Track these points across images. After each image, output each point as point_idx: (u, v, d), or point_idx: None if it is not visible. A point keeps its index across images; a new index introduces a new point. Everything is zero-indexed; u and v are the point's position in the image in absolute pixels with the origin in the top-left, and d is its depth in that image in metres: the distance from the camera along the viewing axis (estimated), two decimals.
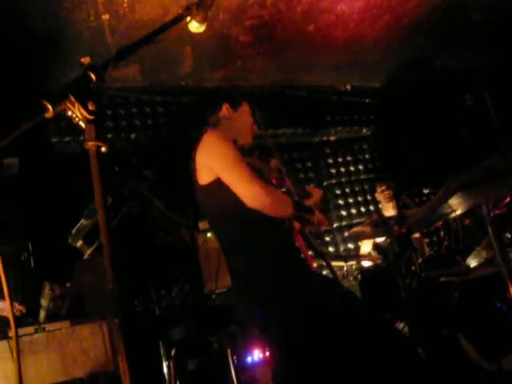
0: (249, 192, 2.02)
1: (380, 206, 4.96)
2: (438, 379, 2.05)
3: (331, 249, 5.50)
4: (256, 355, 3.12)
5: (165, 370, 3.15)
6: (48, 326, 2.27)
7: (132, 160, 4.47)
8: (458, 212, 2.44)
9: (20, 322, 2.40)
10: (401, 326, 3.52)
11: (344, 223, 5.68)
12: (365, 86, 5.85)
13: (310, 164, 5.64)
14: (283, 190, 2.28)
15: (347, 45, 4.69)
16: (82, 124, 1.04)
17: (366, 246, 4.60)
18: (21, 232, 3.47)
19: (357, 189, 5.92)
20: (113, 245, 0.94)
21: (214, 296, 3.56)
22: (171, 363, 3.11)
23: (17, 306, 2.59)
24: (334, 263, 4.20)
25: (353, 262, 4.46)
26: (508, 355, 2.82)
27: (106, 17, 3.44)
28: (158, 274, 3.99)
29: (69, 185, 3.71)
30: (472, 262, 3.47)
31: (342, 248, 5.56)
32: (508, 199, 3.14)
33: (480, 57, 5.13)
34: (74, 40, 3.60)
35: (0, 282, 1.16)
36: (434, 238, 5.06)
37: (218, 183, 2.08)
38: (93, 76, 1.06)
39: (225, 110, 2.41)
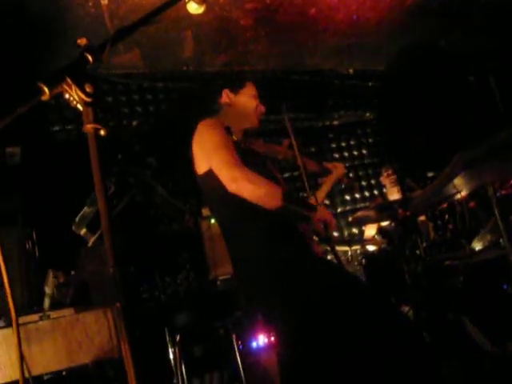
0: (226, 175, 1.97)
1: (384, 190, 4.93)
2: (443, 363, 2.05)
3: (335, 234, 5.49)
4: (261, 340, 3.13)
5: (170, 356, 3.17)
6: (53, 314, 2.27)
7: (134, 147, 4.45)
8: (463, 193, 2.42)
9: (24, 309, 2.41)
10: (405, 309, 3.52)
11: (348, 208, 5.66)
12: (368, 69, 5.79)
13: (313, 149, 5.61)
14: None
15: (349, 28, 4.63)
16: (79, 107, 1.02)
17: (370, 231, 4.59)
18: (25, 221, 3.47)
19: (360, 173, 5.89)
20: (113, 228, 0.93)
21: (218, 282, 3.57)
22: (176, 349, 3.12)
23: None
24: (339, 248, 4.20)
25: (357, 247, 4.45)
26: None
27: (104, 1, 3.40)
28: (163, 261, 3.99)
29: (72, 173, 3.71)
30: (477, 246, 3.45)
31: (346, 233, 5.55)
32: None
33: (485, 39, 5.06)
34: (73, 25, 3.57)
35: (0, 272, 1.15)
36: (439, 222, 5.04)
37: (211, 172, 2.05)
38: (90, 57, 1.03)
39: (225, 96, 2.36)
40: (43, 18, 3.43)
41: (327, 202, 5.06)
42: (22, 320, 2.17)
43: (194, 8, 1.51)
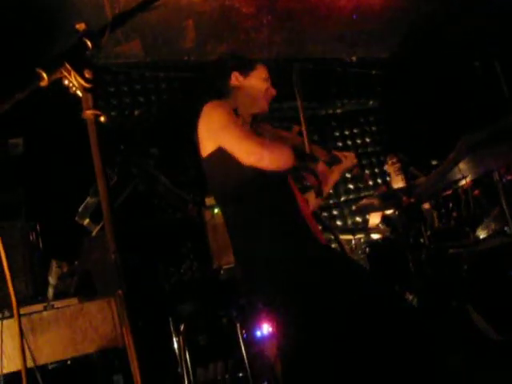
0: (244, 148, 1.94)
1: (388, 178, 4.92)
2: (447, 350, 2.04)
3: (339, 222, 5.48)
4: (265, 329, 3.13)
5: (175, 345, 3.18)
6: (57, 304, 2.27)
7: (137, 137, 4.44)
8: (469, 178, 2.40)
9: (28, 300, 2.41)
10: (410, 298, 3.52)
11: (351, 196, 5.65)
12: (371, 57, 5.75)
13: (316, 137, 5.58)
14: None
15: (352, 15, 4.59)
16: (78, 93, 1.01)
17: (374, 219, 4.58)
18: (28, 212, 3.47)
19: (364, 162, 5.87)
20: (114, 214, 0.92)
21: (222, 271, 3.57)
22: (181, 339, 3.13)
23: None
24: (342, 237, 4.19)
25: (361, 236, 4.44)
26: None
27: None
28: (166, 251, 3.99)
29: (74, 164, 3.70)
30: (481, 234, 3.44)
31: (349, 221, 5.54)
32: None
33: (490, 24, 5.01)
34: (73, 14, 3.55)
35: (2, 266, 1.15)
36: (443, 210, 5.03)
37: (219, 152, 2.00)
38: (88, 43, 1.02)
39: (234, 79, 2.26)
40: (45, 10, 3.41)
41: (330, 190, 5.03)
42: (26, 310, 2.18)
43: None
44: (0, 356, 2.05)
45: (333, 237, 2.25)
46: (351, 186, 5.69)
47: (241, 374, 3.19)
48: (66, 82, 1.00)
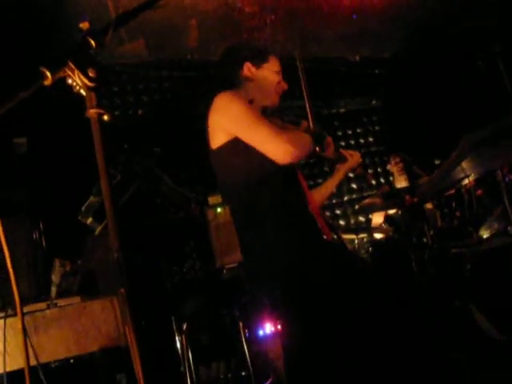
0: (280, 151, 1.90)
1: (391, 178, 4.91)
2: (450, 347, 2.03)
3: (342, 222, 5.48)
4: (268, 328, 3.13)
5: (177, 344, 3.18)
6: (60, 302, 2.28)
7: (140, 136, 4.45)
8: (471, 178, 2.39)
9: (31, 299, 2.42)
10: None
11: (354, 196, 5.64)
12: (374, 56, 5.73)
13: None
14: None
15: (355, 14, 4.58)
16: (82, 92, 1.01)
17: (377, 219, 4.57)
18: (32, 210, 3.48)
19: (367, 161, 5.86)
20: (117, 213, 0.92)
21: (224, 271, 3.57)
22: (183, 338, 3.13)
23: None
24: (345, 236, 4.18)
25: (364, 235, 4.44)
26: None
27: None
28: (169, 250, 4.00)
29: (78, 163, 3.71)
30: (484, 234, 3.44)
31: (352, 221, 5.54)
32: None
33: (493, 22, 4.99)
34: (75, 14, 3.55)
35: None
36: (446, 210, 5.02)
37: (232, 144, 1.96)
38: (92, 42, 1.02)
39: (246, 70, 2.19)
40: (46, 10, 3.41)
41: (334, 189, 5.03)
42: (29, 308, 2.18)
43: None
44: (3, 354, 2.06)
45: (335, 236, 2.24)
46: (354, 186, 5.69)
47: (243, 373, 3.20)
48: (70, 81, 1.00)
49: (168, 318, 3.23)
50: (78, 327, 2.18)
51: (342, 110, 5.82)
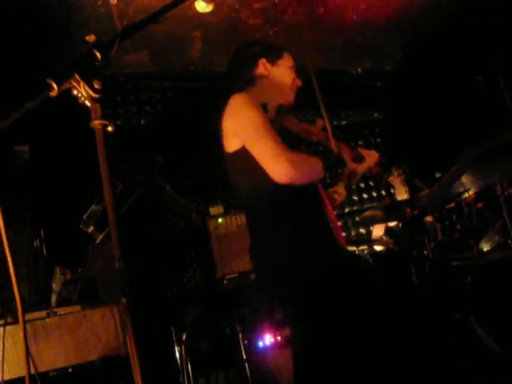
0: (277, 170, 1.82)
1: (392, 190, 4.91)
2: (450, 360, 2.02)
3: (342, 234, 5.47)
4: (267, 339, 3.12)
5: (177, 354, 3.17)
6: (60, 311, 2.28)
7: (143, 146, 4.47)
8: (471, 192, 2.40)
9: (31, 307, 2.43)
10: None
11: (355, 208, 5.64)
12: (376, 69, 5.76)
13: (321, 149, 5.57)
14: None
15: (358, 27, 4.62)
16: (87, 103, 1.02)
17: (377, 231, 4.57)
18: (33, 218, 3.49)
19: (368, 173, 5.86)
20: (120, 222, 0.93)
21: (225, 281, 3.57)
22: (183, 348, 3.12)
23: None
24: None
25: (364, 247, 4.44)
26: None
27: (114, 1, 3.41)
28: (170, 259, 4.00)
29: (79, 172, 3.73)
30: (485, 247, 3.44)
31: (353, 233, 5.53)
32: None
33: (495, 37, 5.02)
34: (81, 25, 3.58)
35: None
36: (447, 222, 5.02)
37: (244, 151, 1.91)
38: (98, 54, 1.04)
39: (262, 67, 2.13)
40: (45, 10, 3.42)
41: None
42: (29, 317, 2.18)
43: (202, 7, 1.51)
44: (1, 362, 2.06)
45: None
46: (355, 198, 5.69)
47: None
48: (75, 92, 1.02)
49: (168, 327, 3.22)
50: (77, 336, 2.18)
51: (344, 122, 5.84)
